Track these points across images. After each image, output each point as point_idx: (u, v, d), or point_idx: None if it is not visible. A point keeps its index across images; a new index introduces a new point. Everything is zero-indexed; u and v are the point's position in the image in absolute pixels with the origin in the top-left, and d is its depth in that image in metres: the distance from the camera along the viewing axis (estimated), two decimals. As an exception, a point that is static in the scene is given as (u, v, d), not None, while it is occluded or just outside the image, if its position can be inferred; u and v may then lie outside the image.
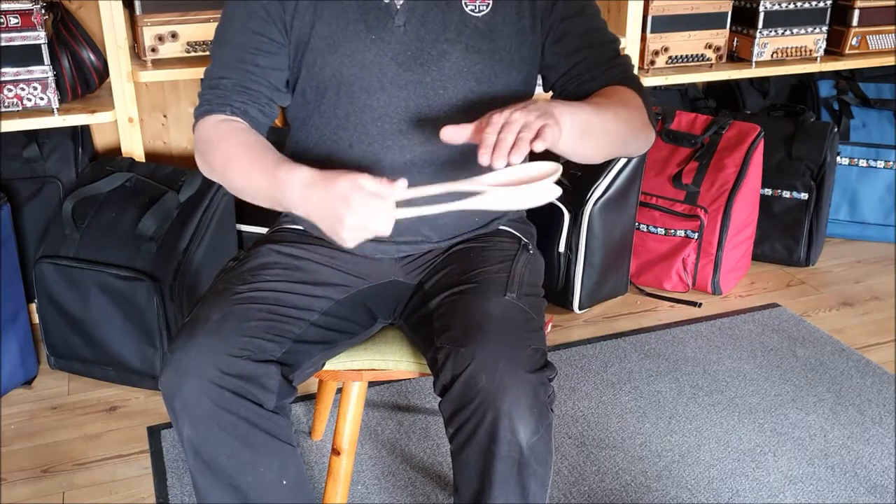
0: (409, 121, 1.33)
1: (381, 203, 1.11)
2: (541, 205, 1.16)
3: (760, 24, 2.59)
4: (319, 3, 1.32)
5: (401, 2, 1.32)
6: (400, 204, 1.14)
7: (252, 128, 1.33)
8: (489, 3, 1.34)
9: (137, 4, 2.08)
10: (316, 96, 1.35)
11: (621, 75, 1.37)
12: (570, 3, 1.36)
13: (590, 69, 1.36)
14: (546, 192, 1.15)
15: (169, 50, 2.14)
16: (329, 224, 1.14)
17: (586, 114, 1.21)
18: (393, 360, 1.41)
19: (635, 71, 2.51)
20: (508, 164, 1.10)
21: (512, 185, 1.14)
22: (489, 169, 1.13)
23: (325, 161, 1.36)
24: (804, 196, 2.62)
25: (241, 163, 1.27)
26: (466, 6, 1.33)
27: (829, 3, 2.64)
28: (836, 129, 2.62)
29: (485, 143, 1.11)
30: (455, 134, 1.17)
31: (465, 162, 1.35)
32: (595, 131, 1.23)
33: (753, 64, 2.65)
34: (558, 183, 1.16)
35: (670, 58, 2.57)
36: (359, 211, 1.10)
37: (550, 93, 1.43)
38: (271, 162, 1.23)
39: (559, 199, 2.30)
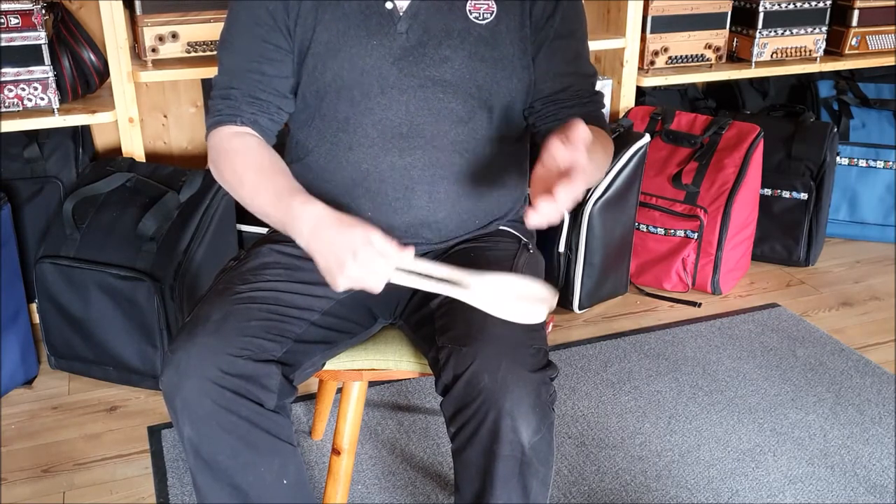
0: (409, 124, 1.33)
1: (384, 264, 1.12)
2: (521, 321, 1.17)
3: (760, 25, 2.60)
4: (321, 7, 1.32)
5: (403, 8, 1.32)
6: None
7: (263, 137, 1.35)
8: (493, 11, 1.34)
9: (138, 4, 2.08)
10: (316, 100, 1.36)
11: (597, 112, 1.40)
12: (566, 22, 1.37)
13: (572, 97, 1.39)
14: (530, 314, 1.16)
15: (169, 50, 2.14)
16: (329, 266, 1.15)
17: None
18: (393, 359, 1.41)
19: (637, 80, 2.55)
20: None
21: (502, 294, 1.15)
22: (495, 266, 1.18)
23: (324, 163, 1.37)
24: (804, 196, 2.62)
25: (252, 183, 1.28)
26: (470, 13, 1.33)
27: (828, 3, 2.65)
28: (835, 130, 2.62)
29: (538, 212, 1.09)
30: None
31: (464, 164, 1.36)
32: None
33: (753, 64, 2.66)
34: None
35: (670, 58, 2.58)
36: (362, 265, 1.11)
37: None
38: (285, 189, 1.24)
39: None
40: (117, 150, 2.28)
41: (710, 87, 3.03)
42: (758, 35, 2.61)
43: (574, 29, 1.39)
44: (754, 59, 2.64)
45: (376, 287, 1.14)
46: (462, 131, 1.34)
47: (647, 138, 2.38)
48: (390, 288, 1.40)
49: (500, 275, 1.18)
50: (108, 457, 1.88)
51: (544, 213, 1.08)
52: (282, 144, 1.42)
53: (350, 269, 1.12)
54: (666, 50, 2.56)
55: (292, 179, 1.28)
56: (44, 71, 2.03)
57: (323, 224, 1.16)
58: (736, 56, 2.71)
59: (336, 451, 1.51)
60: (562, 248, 2.36)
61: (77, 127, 2.24)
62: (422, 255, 1.42)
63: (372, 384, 2.08)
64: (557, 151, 1.11)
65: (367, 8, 1.32)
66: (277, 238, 1.41)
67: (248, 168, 1.30)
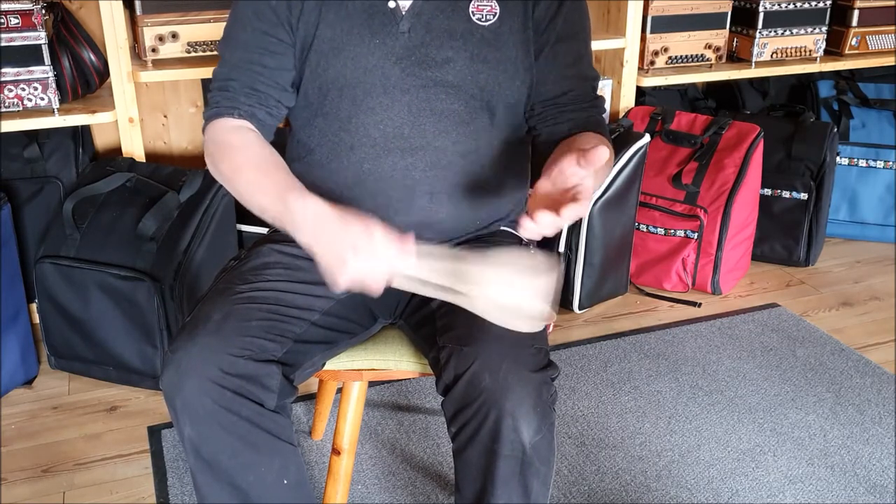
0: (411, 124, 1.33)
1: (385, 260, 1.12)
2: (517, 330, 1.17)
3: (760, 25, 2.60)
4: (324, 5, 1.33)
5: (406, 7, 1.32)
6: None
7: (260, 131, 1.35)
8: (496, 13, 1.34)
9: (138, 4, 2.08)
10: (318, 98, 1.36)
11: (597, 117, 1.40)
12: (568, 24, 1.37)
13: (573, 102, 1.38)
14: (525, 326, 1.16)
15: (169, 50, 2.14)
16: (329, 264, 1.13)
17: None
18: (393, 359, 1.41)
19: (637, 80, 2.55)
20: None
21: (501, 305, 1.15)
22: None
23: (325, 162, 1.37)
24: (804, 196, 2.62)
25: (250, 177, 1.28)
26: (473, 15, 1.33)
27: (828, 3, 2.65)
28: (835, 130, 2.63)
29: (537, 223, 1.07)
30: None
31: (466, 166, 1.36)
32: None
33: (753, 64, 2.66)
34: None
35: (670, 58, 2.58)
36: (364, 261, 1.11)
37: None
38: (283, 183, 1.24)
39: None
40: (117, 150, 2.28)
41: (710, 87, 3.03)
42: (758, 35, 2.61)
43: (577, 31, 1.38)
44: (754, 59, 2.64)
45: (377, 287, 1.13)
46: (464, 132, 1.34)
47: (647, 138, 2.38)
48: (391, 288, 1.41)
49: (502, 284, 1.16)
50: (108, 457, 1.88)
51: (543, 224, 1.06)
52: (282, 145, 1.42)
53: (351, 265, 1.11)
54: (666, 50, 2.56)
55: (290, 175, 1.28)
56: (44, 71, 2.03)
57: (323, 220, 1.14)
58: (736, 56, 2.71)
59: (336, 451, 1.51)
60: (562, 248, 2.36)
61: (77, 127, 2.24)
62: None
63: (372, 384, 2.08)
64: (570, 169, 1.10)
65: (370, 7, 1.32)
66: (278, 238, 1.41)
67: (246, 164, 1.29)
